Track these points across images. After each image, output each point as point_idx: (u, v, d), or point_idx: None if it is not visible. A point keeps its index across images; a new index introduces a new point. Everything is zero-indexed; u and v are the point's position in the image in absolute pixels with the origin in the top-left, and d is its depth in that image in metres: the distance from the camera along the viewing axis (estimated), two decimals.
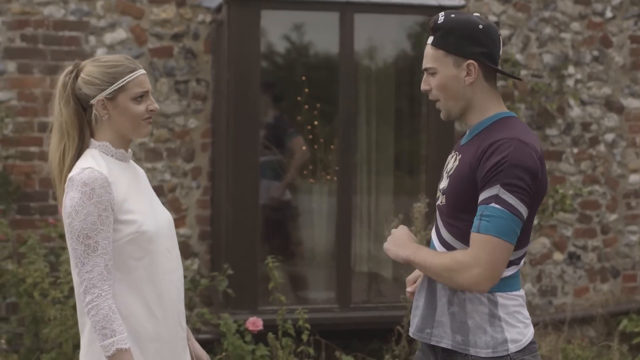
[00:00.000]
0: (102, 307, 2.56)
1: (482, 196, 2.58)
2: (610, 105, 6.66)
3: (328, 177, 6.09)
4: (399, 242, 2.78)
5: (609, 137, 6.65)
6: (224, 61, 5.62)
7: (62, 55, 5.70)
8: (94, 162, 2.66)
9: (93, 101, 2.69)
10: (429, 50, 2.74)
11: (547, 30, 6.48)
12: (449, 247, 2.72)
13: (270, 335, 5.00)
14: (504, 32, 6.40)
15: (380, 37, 6.13)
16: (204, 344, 5.71)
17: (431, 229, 5.13)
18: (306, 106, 6.17)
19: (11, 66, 5.71)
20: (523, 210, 2.58)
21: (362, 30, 5.75)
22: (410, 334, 2.86)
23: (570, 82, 6.53)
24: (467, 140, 2.77)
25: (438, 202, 2.79)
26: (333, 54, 5.89)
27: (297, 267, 6.25)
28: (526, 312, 2.75)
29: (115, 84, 2.68)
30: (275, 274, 5.09)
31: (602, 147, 6.64)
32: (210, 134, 5.98)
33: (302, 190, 6.22)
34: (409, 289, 3.04)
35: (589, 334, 6.51)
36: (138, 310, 2.65)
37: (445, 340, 2.73)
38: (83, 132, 2.72)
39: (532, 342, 2.73)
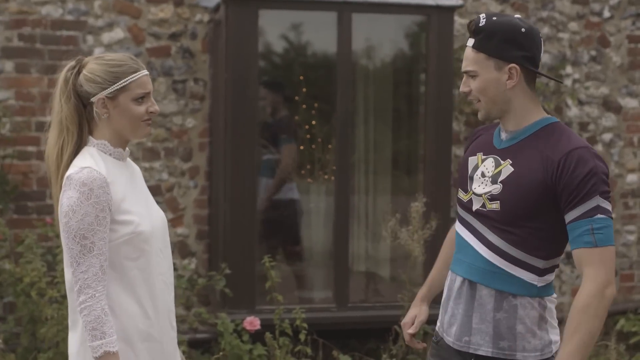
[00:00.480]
0: (94, 308, 2.55)
1: (582, 209, 2.57)
2: (608, 105, 6.66)
3: (326, 176, 6.09)
4: None
5: (607, 136, 6.66)
6: (222, 61, 5.62)
7: (60, 55, 5.70)
8: (93, 161, 2.65)
9: (94, 99, 2.68)
10: (469, 52, 2.71)
11: (545, 30, 6.49)
12: (501, 253, 2.69)
13: (268, 334, 5.00)
14: None
15: (378, 37, 6.13)
16: (201, 343, 5.74)
17: (428, 229, 5.16)
18: (304, 106, 6.18)
19: (9, 66, 5.71)
20: None
21: (359, 29, 5.75)
22: (450, 344, 2.83)
23: (568, 82, 6.54)
24: (511, 144, 2.74)
25: (478, 207, 2.74)
26: (331, 54, 5.89)
27: (294, 266, 6.26)
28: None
29: (117, 84, 2.67)
30: (272, 274, 5.09)
31: (599, 147, 6.64)
32: (208, 133, 5.98)
33: (300, 189, 6.22)
34: (410, 331, 3.07)
35: None
36: (131, 309, 2.65)
37: (484, 347, 2.73)
38: (82, 128, 2.71)
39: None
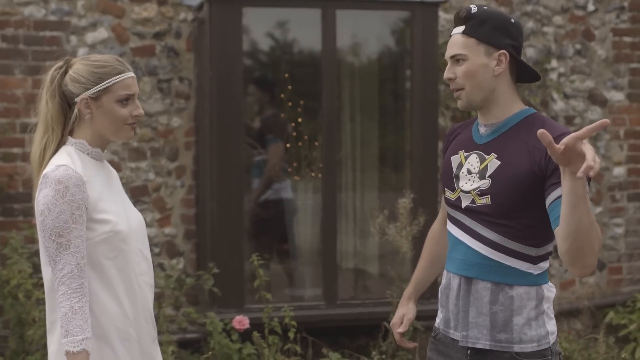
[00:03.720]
0: (63, 305, 2.54)
1: None
2: (594, 98, 6.67)
3: (312, 174, 6.09)
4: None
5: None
6: (207, 59, 5.60)
7: (44, 56, 5.67)
8: (69, 159, 2.65)
9: (77, 99, 2.68)
10: (458, 38, 2.74)
11: (530, 24, 6.49)
12: (498, 247, 2.71)
13: (256, 334, 4.99)
14: None
15: (363, 33, 6.13)
16: (190, 343, 5.72)
17: (416, 225, 5.15)
18: (290, 103, 6.17)
19: None
20: None
21: (344, 26, 5.75)
22: (442, 331, 2.87)
23: (553, 76, 6.54)
24: (493, 137, 2.76)
25: (468, 204, 2.75)
26: (316, 51, 5.88)
27: (283, 264, 6.25)
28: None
29: (101, 85, 2.67)
30: (260, 272, 5.08)
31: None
32: (193, 132, 5.96)
33: (286, 191, 6.21)
34: (399, 330, 3.08)
35: (576, 326, 6.53)
36: (110, 308, 2.64)
37: (482, 341, 2.74)
38: (66, 128, 2.72)
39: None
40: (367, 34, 6.13)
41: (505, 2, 6.44)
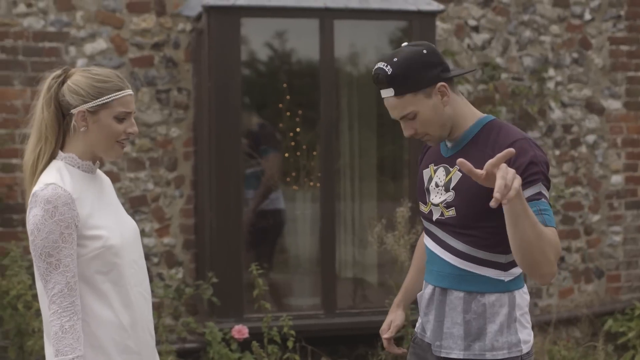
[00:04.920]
0: (54, 324, 2.55)
1: (527, 193, 2.57)
2: (591, 106, 6.69)
3: (311, 183, 6.10)
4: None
5: (590, 138, 6.69)
6: (205, 69, 5.62)
7: (43, 67, 5.68)
8: (59, 176, 2.63)
9: (74, 111, 2.66)
10: (394, 101, 2.70)
11: (527, 33, 6.52)
12: (467, 257, 2.73)
13: (255, 343, 4.99)
14: (483, 36, 6.43)
15: (360, 43, 6.15)
16: (189, 353, 5.73)
17: (414, 234, 5.17)
18: (288, 113, 6.18)
19: None
20: None
21: (342, 36, 5.77)
22: (419, 335, 2.91)
23: (550, 85, 6.57)
24: (456, 150, 2.77)
25: (438, 217, 2.77)
26: (314, 61, 5.90)
27: (282, 274, 6.25)
28: (529, 315, 2.82)
29: (100, 99, 2.65)
30: (259, 282, 5.09)
31: (583, 149, 6.67)
32: (192, 142, 5.97)
33: (286, 197, 6.22)
34: (385, 336, 3.12)
35: (575, 334, 6.53)
36: (107, 322, 2.64)
37: (455, 351, 2.76)
38: (60, 138, 2.70)
39: (532, 345, 2.81)
40: (364, 44, 6.15)
41: (502, 12, 6.46)
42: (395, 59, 2.68)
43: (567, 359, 5.83)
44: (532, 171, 2.60)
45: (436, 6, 5.79)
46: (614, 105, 6.74)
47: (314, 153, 6.02)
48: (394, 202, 5.81)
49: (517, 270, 2.75)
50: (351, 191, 6.15)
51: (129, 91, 2.71)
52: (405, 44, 2.75)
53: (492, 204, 2.31)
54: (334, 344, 5.89)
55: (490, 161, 2.39)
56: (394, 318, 3.14)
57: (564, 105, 6.62)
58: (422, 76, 2.68)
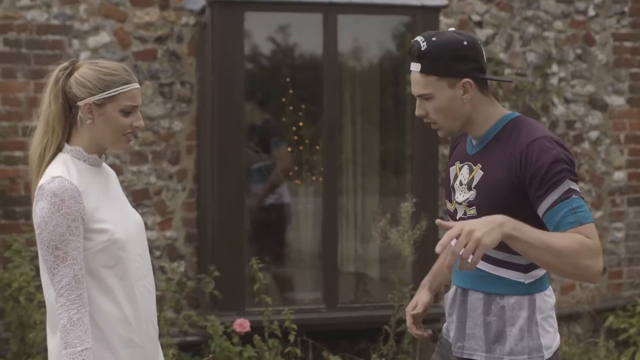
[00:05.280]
0: (62, 317, 2.56)
1: (556, 194, 2.53)
2: (594, 103, 6.69)
3: (314, 178, 6.10)
4: (486, 220, 2.43)
5: (593, 134, 6.68)
6: (208, 63, 5.62)
7: (46, 60, 5.69)
8: (65, 169, 2.64)
9: (80, 103, 2.67)
10: (418, 77, 2.67)
11: (531, 29, 6.51)
12: (486, 257, 2.68)
13: (256, 337, 5.00)
14: (487, 32, 6.43)
15: (364, 38, 6.15)
16: (191, 346, 5.74)
17: (418, 229, 5.17)
18: (291, 107, 6.18)
19: None
20: None
21: (345, 31, 5.76)
22: (444, 335, 2.88)
23: (554, 81, 6.56)
24: (480, 148, 2.74)
25: (461, 215, 2.74)
26: (317, 55, 5.90)
27: (283, 268, 6.26)
28: (555, 318, 2.76)
29: (107, 92, 2.66)
30: (260, 276, 5.09)
31: (586, 145, 6.66)
32: (195, 136, 5.98)
33: (289, 191, 6.23)
34: (412, 312, 3.02)
35: (576, 330, 6.54)
36: (112, 316, 2.65)
37: (478, 352, 2.73)
38: (66, 131, 2.71)
39: (558, 349, 2.74)
40: (368, 39, 6.15)
41: (506, 7, 6.46)
42: (433, 38, 2.66)
43: (568, 355, 5.83)
44: (555, 170, 2.54)
45: (440, 1, 5.79)
46: (617, 101, 6.73)
47: (317, 147, 6.02)
48: (396, 197, 5.82)
49: (538, 272, 2.71)
50: (354, 186, 6.15)
51: (136, 85, 2.71)
52: (452, 29, 2.71)
53: (460, 270, 2.37)
54: (335, 338, 5.89)
55: (440, 242, 2.36)
56: (420, 297, 3.05)
57: (567, 101, 6.61)
58: (452, 65, 2.65)
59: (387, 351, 5.30)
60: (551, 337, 2.72)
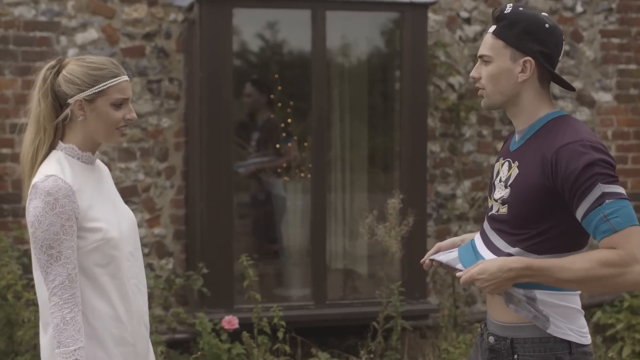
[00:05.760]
0: (55, 316, 2.56)
1: (587, 202, 2.47)
2: (582, 99, 6.70)
3: (302, 174, 6.10)
4: (495, 274, 2.51)
5: None
6: (197, 60, 5.61)
7: (34, 56, 5.67)
8: (59, 167, 2.63)
9: (70, 100, 2.66)
10: (488, 38, 2.67)
11: None
12: (501, 254, 2.62)
13: (245, 333, 5.00)
14: (475, 28, 6.43)
15: (352, 34, 6.15)
16: (180, 343, 5.73)
17: (405, 225, 5.17)
18: (279, 104, 6.18)
19: None
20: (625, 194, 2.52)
21: (334, 27, 5.76)
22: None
23: None
24: (520, 145, 2.68)
25: (494, 212, 2.69)
26: (306, 52, 5.90)
27: (272, 264, 6.26)
28: (582, 322, 2.70)
29: (96, 87, 2.65)
30: (249, 272, 5.09)
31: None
32: (183, 133, 5.97)
33: (277, 188, 6.23)
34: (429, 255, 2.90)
35: None
36: (104, 314, 2.65)
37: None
38: (58, 129, 2.70)
39: (585, 346, 2.68)
40: (356, 35, 6.15)
41: (493, 4, 6.46)
42: (520, 8, 2.66)
43: None
44: (586, 177, 2.46)
45: None
46: (604, 97, 6.75)
47: (305, 144, 6.02)
48: (384, 193, 5.82)
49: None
50: (342, 182, 6.16)
51: (125, 77, 2.71)
52: (544, 14, 2.68)
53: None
54: (324, 335, 5.90)
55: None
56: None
57: (555, 97, 6.63)
58: (523, 38, 2.61)
59: (375, 347, 5.31)
60: (574, 338, 2.66)
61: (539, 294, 2.61)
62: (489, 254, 2.66)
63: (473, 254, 2.72)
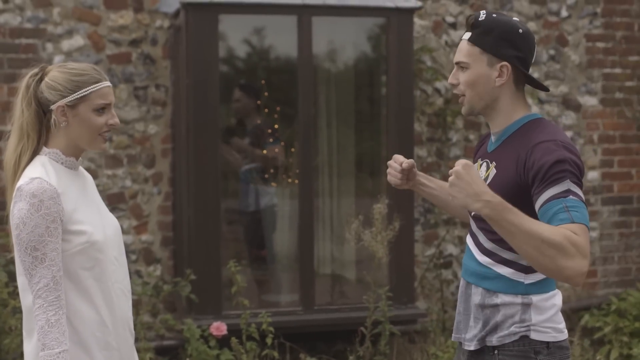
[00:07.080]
0: (39, 318, 2.55)
1: (553, 191, 2.52)
2: (568, 103, 6.73)
3: (289, 180, 6.10)
4: (471, 187, 2.51)
5: (567, 134, 6.72)
6: (183, 66, 5.61)
7: (19, 63, 5.66)
8: (44, 170, 2.64)
9: (53, 107, 2.67)
10: (464, 45, 2.74)
11: None
12: (489, 253, 2.71)
13: (234, 339, 5.00)
14: (461, 33, 6.45)
15: (338, 40, 6.16)
16: (168, 350, 5.72)
17: (391, 230, 5.17)
18: (266, 109, 6.19)
19: None
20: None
21: (320, 33, 5.77)
22: (454, 337, 2.88)
23: None
24: (496, 146, 2.77)
25: (475, 212, 2.72)
26: (292, 57, 5.90)
27: (260, 270, 6.26)
28: (557, 320, 2.73)
29: (78, 93, 2.67)
30: (238, 278, 5.09)
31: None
32: (170, 139, 5.96)
33: (265, 193, 6.22)
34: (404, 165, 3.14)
35: None
36: (89, 319, 2.65)
37: (474, 343, 2.74)
38: (42, 135, 2.71)
39: (560, 349, 2.73)
40: (343, 41, 6.16)
41: (479, 8, 6.49)
42: (494, 15, 2.73)
43: None
44: (556, 170, 2.53)
45: (414, 3, 5.81)
46: (590, 101, 6.78)
47: (292, 150, 6.02)
48: (372, 198, 5.83)
49: (540, 275, 2.69)
50: (329, 188, 6.16)
51: (107, 83, 2.72)
52: (516, 19, 2.75)
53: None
54: (312, 341, 5.90)
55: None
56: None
57: (541, 101, 6.65)
58: (499, 44, 2.69)
59: (363, 353, 5.31)
60: (551, 336, 2.71)
61: (535, 299, 2.68)
62: (478, 251, 2.77)
63: (469, 252, 2.83)
